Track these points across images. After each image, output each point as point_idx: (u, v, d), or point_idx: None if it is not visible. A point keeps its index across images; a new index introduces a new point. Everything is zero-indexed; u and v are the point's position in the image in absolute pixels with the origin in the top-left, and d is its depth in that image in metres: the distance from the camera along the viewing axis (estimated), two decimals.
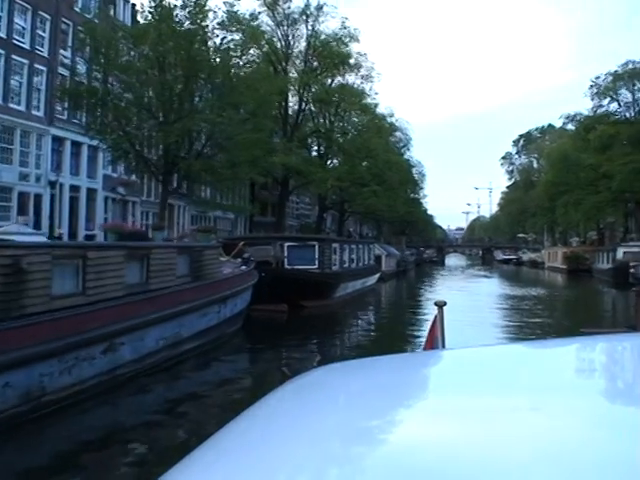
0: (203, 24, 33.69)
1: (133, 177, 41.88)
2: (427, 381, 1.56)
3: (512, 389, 1.28)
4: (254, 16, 42.68)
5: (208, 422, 10.08)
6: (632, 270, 45.69)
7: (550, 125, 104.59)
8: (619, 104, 64.02)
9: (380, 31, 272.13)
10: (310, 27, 53.74)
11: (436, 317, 4.38)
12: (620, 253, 50.49)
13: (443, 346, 4.04)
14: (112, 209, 42.25)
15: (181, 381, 13.70)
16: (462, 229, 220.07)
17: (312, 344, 20.54)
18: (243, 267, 21.19)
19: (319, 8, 52.86)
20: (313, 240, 30.35)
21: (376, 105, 61.19)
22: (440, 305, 4.54)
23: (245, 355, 18.28)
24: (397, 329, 24.94)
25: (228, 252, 22.20)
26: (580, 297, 42.69)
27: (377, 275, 43.21)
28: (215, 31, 34.70)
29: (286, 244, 28.14)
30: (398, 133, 70.93)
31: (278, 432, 1.15)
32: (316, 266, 28.43)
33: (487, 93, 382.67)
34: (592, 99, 64.41)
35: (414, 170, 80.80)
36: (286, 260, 27.73)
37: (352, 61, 53.73)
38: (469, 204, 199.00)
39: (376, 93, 59.15)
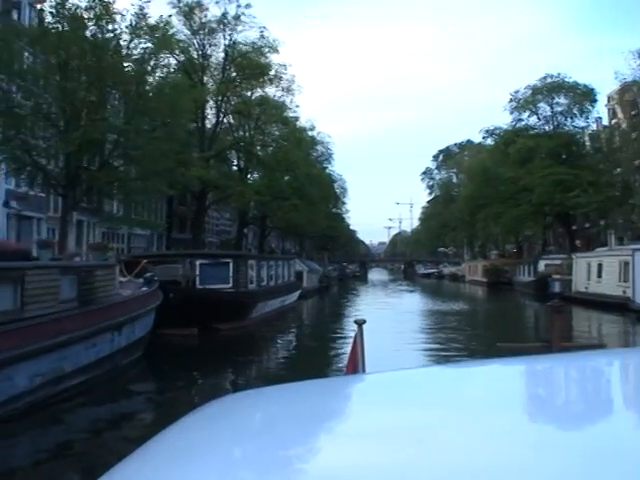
0: (110, 27, 31.36)
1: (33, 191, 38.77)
2: (344, 407, 1.52)
3: (434, 412, 1.26)
4: (167, 22, 40.45)
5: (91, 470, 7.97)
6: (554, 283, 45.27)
7: (469, 141, 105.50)
8: (538, 118, 64.42)
9: (303, 45, 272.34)
10: (228, 37, 51.86)
11: (356, 335, 4.41)
12: (542, 265, 50.10)
13: (363, 366, 4.11)
14: (14, 226, 39.06)
15: (57, 425, 11.47)
16: (384, 243, 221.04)
17: (225, 371, 18.66)
18: (144, 288, 18.92)
19: (237, 17, 51.00)
20: (227, 257, 28.03)
21: (297, 118, 59.82)
22: (360, 323, 4.52)
23: (145, 387, 16.06)
24: (318, 350, 23.36)
25: (130, 271, 19.98)
26: (502, 311, 41.88)
27: (298, 292, 41.35)
28: (124, 36, 32.38)
29: (198, 262, 25.83)
30: (319, 147, 69.62)
31: (181, 465, 1.07)
32: (230, 285, 26.26)
33: (407, 108, 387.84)
34: (511, 113, 64.67)
35: (336, 185, 79.63)
36: (198, 279, 25.49)
37: (272, 72, 51.99)
38: (391, 219, 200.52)
39: (297, 106, 57.69)
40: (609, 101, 70.53)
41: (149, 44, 33.59)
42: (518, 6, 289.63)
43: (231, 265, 26.44)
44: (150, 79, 33.73)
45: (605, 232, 71.21)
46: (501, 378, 1.62)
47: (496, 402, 1.33)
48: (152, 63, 33.77)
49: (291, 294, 38.34)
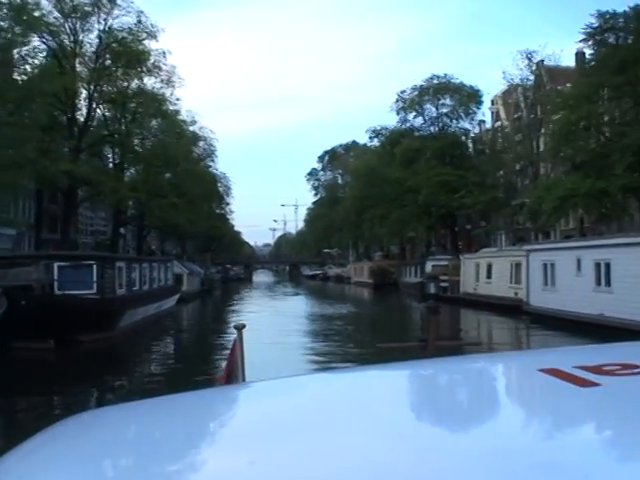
0: None
1: None
2: (216, 420, 1.46)
3: (315, 420, 1.25)
4: (36, 3, 36.58)
5: None
6: (442, 284, 44.17)
7: (354, 142, 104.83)
8: (424, 118, 63.78)
9: (190, 41, 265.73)
10: (102, 21, 47.67)
11: (235, 341, 4.30)
12: (429, 267, 49.03)
13: (243, 372, 4.04)
14: None
15: None
16: (269, 245, 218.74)
17: (82, 391, 15.68)
18: None
19: (112, 1, 47.08)
20: (90, 258, 24.46)
21: (177, 112, 56.37)
22: (239, 328, 4.43)
23: None
24: (196, 359, 21.27)
25: None
26: (388, 313, 40.47)
27: (176, 296, 38.24)
28: None
29: (56, 264, 22.34)
30: (202, 143, 66.25)
31: None
32: (94, 290, 22.96)
33: (294, 109, 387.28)
34: (398, 113, 63.72)
35: (219, 183, 76.38)
36: (56, 284, 22.10)
37: (150, 61, 48.26)
38: (276, 220, 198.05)
39: (178, 99, 54.27)
40: (493, 104, 71.04)
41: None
42: (405, 11, 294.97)
43: (95, 268, 23.07)
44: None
45: (488, 234, 71.86)
46: (381, 383, 1.60)
47: (376, 407, 1.33)
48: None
49: (168, 299, 35.24)
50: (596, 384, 1.26)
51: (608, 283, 22.87)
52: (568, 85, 56.59)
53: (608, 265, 22.83)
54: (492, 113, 71.36)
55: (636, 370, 1.37)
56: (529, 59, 49.80)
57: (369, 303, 54.57)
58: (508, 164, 60.99)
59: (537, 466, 0.91)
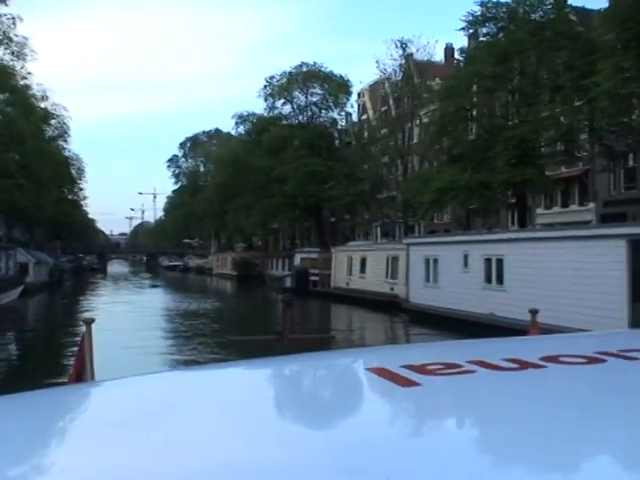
0: None
1: None
2: (62, 420, 1.37)
3: (164, 420, 1.21)
4: None
5: None
6: (312, 278, 42.07)
7: (217, 129, 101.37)
8: (293, 106, 61.40)
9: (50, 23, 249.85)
10: None
11: (84, 336, 4.07)
12: (297, 259, 46.76)
13: (92, 369, 3.85)
14: None
15: None
16: (126, 234, 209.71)
17: None
18: None
19: None
20: None
21: (27, 86, 51.10)
22: (88, 322, 4.22)
23: None
24: (37, 357, 19.41)
25: None
26: (252, 308, 37.94)
27: (19, 289, 33.77)
28: None
29: None
30: (54, 121, 60.74)
31: None
32: None
33: (156, 96, 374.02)
34: (265, 99, 60.98)
35: (72, 166, 70.72)
36: None
37: None
38: (133, 209, 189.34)
39: (29, 73, 49.18)
40: (359, 97, 69.92)
41: None
42: (275, 5, 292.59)
43: None
44: None
45: (353, 228, 70.86)
46: (226, 381, 1.61)
47: (221, 403, 1.33)
48: None
49: (9, 291, 30.84)
50: (417, 384, 1.28)
51: (500, 281, 21.34)
52: (438, 80, 56.47)
53: (500, 261, 21.29)
54: (359, 106, 70.11)
55: (456, 370, 1.38)
56: (403, 49, 48.41)
57: (233, 297, 51.75)
58: (375, 157, 60.04)
59: (344, 470, 0.92)
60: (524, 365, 1.42)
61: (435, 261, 25.49)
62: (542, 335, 3.68)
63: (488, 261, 21.97)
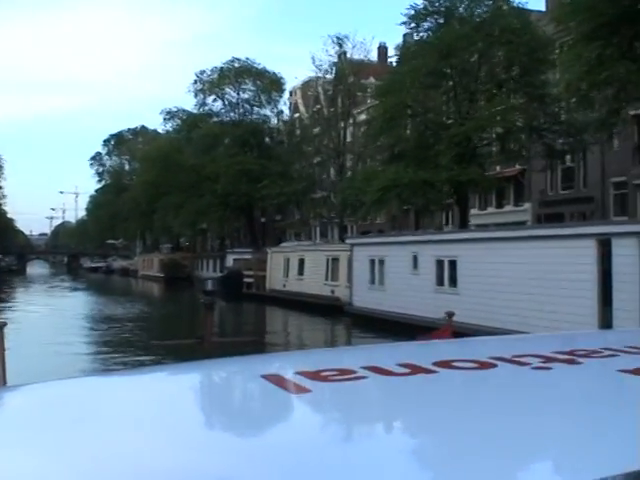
0: None
1: None
2: None
3: (77, 426, 1.19)
4: None
5: None
6: (246, 279, 40.30)
7: (143, 127, 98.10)
8: (224, 103, 59.40)
9: None
10: None
11: None
12: (230, 260, 44.81)
13: (4, 373, 3.80)
14: None
15: None
16: (46, 235, 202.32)
17: None
18: None
19: None
20: None
21: None
22: (0, 327, 4.07)
23: None
24: None
25: None
26: (183, 311, 35.76)
27: None
28: None
29: None
30: None
31: None
32: None
33: (77, 93, 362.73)
34: (196, 95, 58.82)
35: None
36: None
37: None
38: (54, 209, 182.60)
39: None
40: (291, 95, 68.50)
41: None
42: (202, 4, 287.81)
43: None
44: None
45: (284, 228, 69.33)
46: (156, 387, 1.59)
47: (133, 408, 1.32)
48: None
49: None
50: (307, 390, 1.28)
51: (453, 283, 20.12)
52: (372, 79, 55.46)
53: (454, 263, 20.07)
54: (290, 104, 68.58)
55: (349, 376, 1.38)
56: (340, 45, 47.13)
57: (160, 300, 49.46)
58: (308, 156, 58.71)
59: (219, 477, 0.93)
60: (416, 370, 1.43)
61: (381, 262, 24.13)
62: (447, 340, 3.23)
63: (440, 263, 20.72)
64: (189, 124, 59.17)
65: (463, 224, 32.58)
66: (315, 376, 1.38)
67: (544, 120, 31.25)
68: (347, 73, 52.45)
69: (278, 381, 1.37)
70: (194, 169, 55.33)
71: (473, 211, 47.87)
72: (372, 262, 24.73)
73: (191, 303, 42.20)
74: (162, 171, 59.22)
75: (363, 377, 1.36)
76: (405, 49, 35.10)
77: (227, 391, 1.61)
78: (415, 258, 21.96)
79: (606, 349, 1.65)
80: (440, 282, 20.76)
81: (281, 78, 59.25)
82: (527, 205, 43.67)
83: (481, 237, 19.43)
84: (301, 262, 33.87)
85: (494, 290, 17.82)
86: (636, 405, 1.19)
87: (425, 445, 1.05)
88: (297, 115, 66.48)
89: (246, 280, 40.00)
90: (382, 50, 61.38)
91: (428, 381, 1.37)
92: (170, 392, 1.55)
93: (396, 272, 22.93)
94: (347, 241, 26.96)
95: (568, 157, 39.50)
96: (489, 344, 2.18)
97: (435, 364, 1.46)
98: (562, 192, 41.15)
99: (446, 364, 1.48)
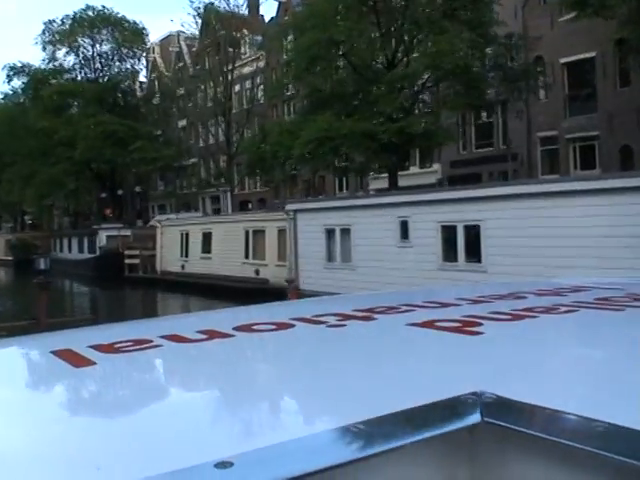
0: None
1: None
2: None
3: None
4: None
5: None
6: (129, 261, 32.88)
7: None
8: (79, 57, 50.31)
9: None
10: None
11: None
12: (103, 238, 36.79)
13: None
14: None
15: None
16: None
17: None
18: None
19: None
20: None
21: None
22: None
23: None
24: None
25: None
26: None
27: None
28: None
29: None
30: None
31: None
32: None
33: None
34: (44, 48, 49.28)
35: None
36: None
37: None
38: None
39: None
40: (149, 52, 60.00)
41: None
42: None
43: None
44: None
45: (143, 202, 61.75)
46: None
47: None
48: None
49: None
50: (92, 363, 1.24)
51: (474, 256, 14.51)
52: (245, 31, 48.75)
53: (475, 229, 14.43)
54: (147, 62, 59.95)
55: (144, 345, 1.34)
56: None
57: (6, 287, 40.47)
58: (172, 120, 51.74)
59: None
60: (213, 335, 1.42)
61: (345, 232, 18.07)
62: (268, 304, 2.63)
63: (450, 229, 15.01)
64: (37, 81, 49.55)
65: (394, 187, 27.14)
66: (108, 348, 1.32)
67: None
68: (216, 26, 45.82)
69: (66, 356, 1.29)
70: (45, 133, 46.26)
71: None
72: (329, 233, 18.61)
73: (66, 293, 34.35)
74: (6, 137, 49.42)
75: (157, 346, 1.33)
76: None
77: (11, 368, 1.45)
78: (404, 225, 16.13)
79: (404, 305, 1.70)
80: (450, 256, 15.08)
81: (143, 29, 51.11)
82: (436, 166, 38.96)
83: (515, 193, 13.85)
84: (207, 237, 27.06)
85: (537, 263, 12.41)
86: (410, 354, 1.29)
87: (217, 407, 1.05)
88: (155, 75, 58.51)
89: (128, 262, 32.51)
90: (252, 2, 54.58)
91: (222, 345, 1.36)
92: None
93: (372, 245, 17.01)
94: (288, 207, 20.64)
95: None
96: (306, 305, 2.27)
97: (235, 329, 1.45)
98: (477, 150, 36.83)
99: (246, 328, 1.49)
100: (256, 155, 28.25)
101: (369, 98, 24.59)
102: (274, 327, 1.49)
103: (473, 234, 14.55)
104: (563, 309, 1.60)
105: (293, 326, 1.48)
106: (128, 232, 35.77)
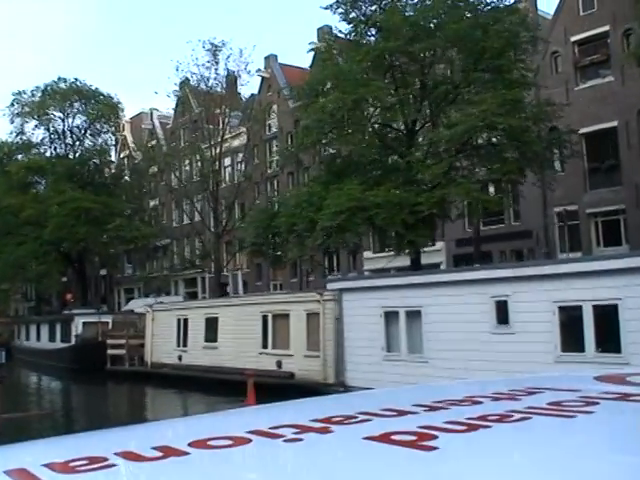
0: None
1: None
2: None
3: None
4: None
5: None
6: (112, 351, 28.82)
7: None
8: (49, 131, 46.99)
9: None
10: None
11: None
12: (79, 324, 32.49)
13: None
14: None
15: None
16: None
17: None
18: None
19: None
20: None
21: None
22: None
23: None
24: None
25: None
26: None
27: None
28: None
29: None
30: None
31: None
32: None
33: None
34: (12, 121, 45.85)
35: None
36: None
37: None
38: None
39: None
40: (119, 130, 56.97)
41: None
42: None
43: None
44: None
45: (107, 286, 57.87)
46: None
47: None
48: None
49: None
50: None
51: (611, 346, 11.39)
52: (218, 111, 46.10)
53: (612, 310, 11.40)
54: (116, 140, 56.69)
55: (98, 465, 1.27)
56: (214, 55, 37.63)
57: None
58: (145, 199, 48.85)
59: None
60: (167, 453, 1.35)
61: (413, 316, 14.75)
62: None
63: (571, 311, 11.89)
64: (3, 155, 46.03)
65: (416, 266, 24.09)
66: (63, 467, 1.24)
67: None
68: (190, 102, 43.82)
69: (21, 477, 1.21)
70: (10, 211, 42.53)
71: (367, 254, 39.95)
72: (389, 316, 15.30)
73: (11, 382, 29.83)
74: None
75: (111, 465, 1.26)
76: (329, 41, 26.08)
77: None
78: (502, 306, 12.97)
79: (361, 414, 1.63)
80: (571, 345, 11.89)
81: (118, 103, 48.28)
82: (440, 244, 36.28)
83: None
84: (211, 323, 23.33)
85: None
86: (375, 471, 1.22)
87: None
88: (125, 153, 55.65)
89: (111, 352, 28.37)
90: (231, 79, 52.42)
91: (176, 466, 1.28)
92: None
93: (454, 332, 13.74)
94: (330, 286, 17.31)
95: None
96: (264, 412, 2.07)
97: (190, 444, 1.38)
98: (485, 228, 34.24)
99: (202, 443, 1.40)
100: (267, 230, 24.94)
101: (398, 165, 21.83)
102: (230, 442, 1.41)
103: (605, 316, 11.45)
104: (516, 416, 1.56)
105: (250, 441, 1.42)
106: (109, 318, 31.70)
